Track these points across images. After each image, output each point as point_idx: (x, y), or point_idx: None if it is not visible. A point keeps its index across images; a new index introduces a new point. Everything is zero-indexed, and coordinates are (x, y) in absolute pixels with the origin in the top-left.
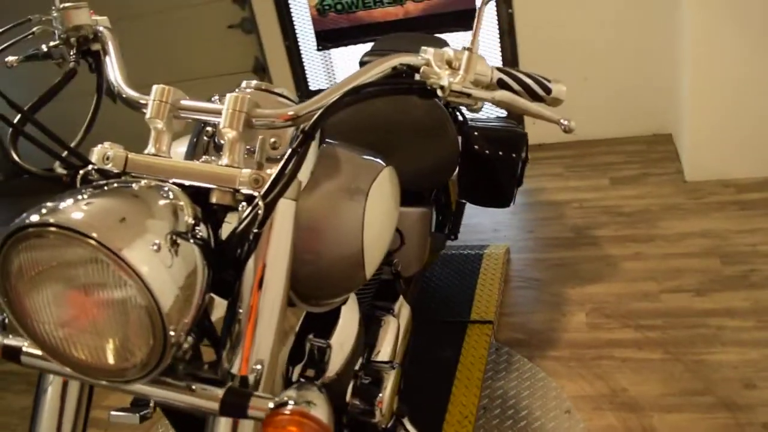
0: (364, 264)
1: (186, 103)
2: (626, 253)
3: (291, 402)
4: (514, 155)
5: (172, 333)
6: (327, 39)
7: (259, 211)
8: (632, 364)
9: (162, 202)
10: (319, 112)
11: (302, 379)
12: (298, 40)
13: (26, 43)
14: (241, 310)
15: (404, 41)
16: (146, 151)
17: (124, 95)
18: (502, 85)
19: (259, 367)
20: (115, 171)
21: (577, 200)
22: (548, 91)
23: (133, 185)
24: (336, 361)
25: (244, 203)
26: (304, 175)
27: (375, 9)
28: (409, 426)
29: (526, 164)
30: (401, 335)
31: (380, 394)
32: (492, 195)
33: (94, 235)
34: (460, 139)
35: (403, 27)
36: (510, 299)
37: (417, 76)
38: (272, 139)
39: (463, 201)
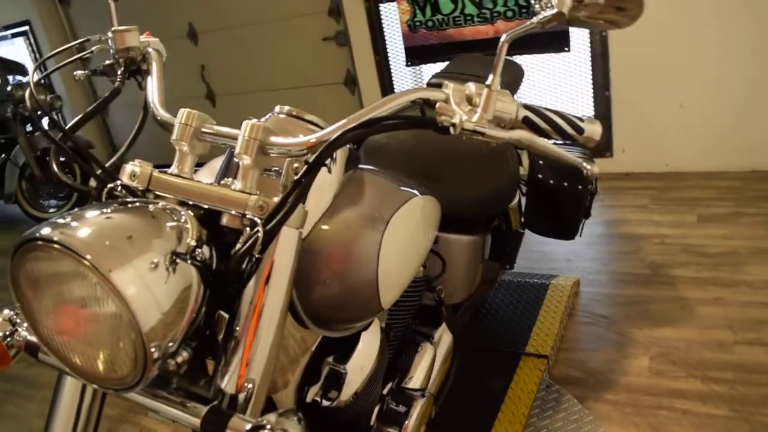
0: (378, 294)
1: (208, 127)
2: (704, 297)
3: (267, 427)
4: (580, 187)
5: (153, 350)
6: (416, 55)
7: (259, 237)
8: (693, 418)
9: (169, 223)
10: (324, 144)
11: (318, 399)
12: (389, 54)
13: (99, 57)
14: (237, 330)
15: (477, 63)
16: (170, 171)
17: (157, 116)
18: (527, 123)
19: (250, 386)
20: (140, 188)
21: (659, 235)
22: (580, 131)
23: (146, 206)
24: (351, 386)
25: (248, 228)
26: (324, 200)
27: (465, 27)
28: None
29: (593, 196)
30: (438, 364)
31: (406, 422)
32: (556, 226)
33: (88, 256)
34: (527, 165)
35: (493, 46)
36: (572, 334)
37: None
38: (295, 165)
39: (522, 230)
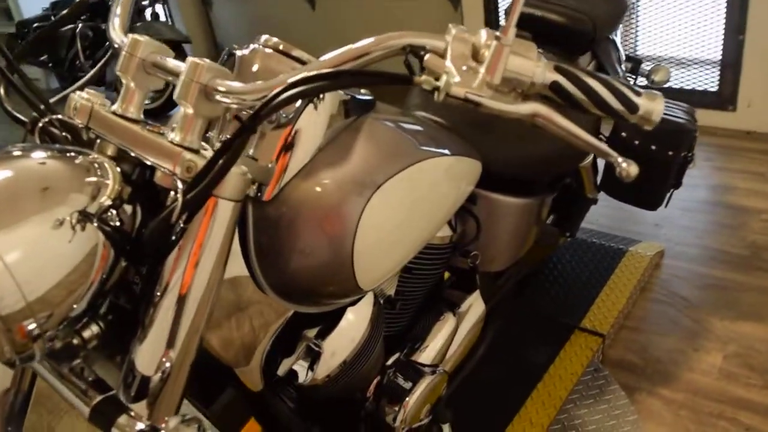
0: (354, 274)
1: (157, 59)
2: None
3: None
4: (670, 153)
5: (32, 326)
6: None
7: (176, 206)
8: None
9: (85, 177)
10: (267, 99)
11: (290, 376)
12: None
13: None
14: (153, 309)
15: None
16: (113, 108)
17: (114, 42)
18: (556, 90)
19: (168, 363)
20: (79, 123)
21: None
22: (632, 107)
23: (59, 154)
24: (326, 367)
25: (173, 192)
26: (304, 152)
27: None
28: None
29: (687, 164)
30: (460, 337)
31: (407, 398)
32: (636, 194)
33: None
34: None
35: None
36: (641, 312)
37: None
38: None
39: (594, 197)
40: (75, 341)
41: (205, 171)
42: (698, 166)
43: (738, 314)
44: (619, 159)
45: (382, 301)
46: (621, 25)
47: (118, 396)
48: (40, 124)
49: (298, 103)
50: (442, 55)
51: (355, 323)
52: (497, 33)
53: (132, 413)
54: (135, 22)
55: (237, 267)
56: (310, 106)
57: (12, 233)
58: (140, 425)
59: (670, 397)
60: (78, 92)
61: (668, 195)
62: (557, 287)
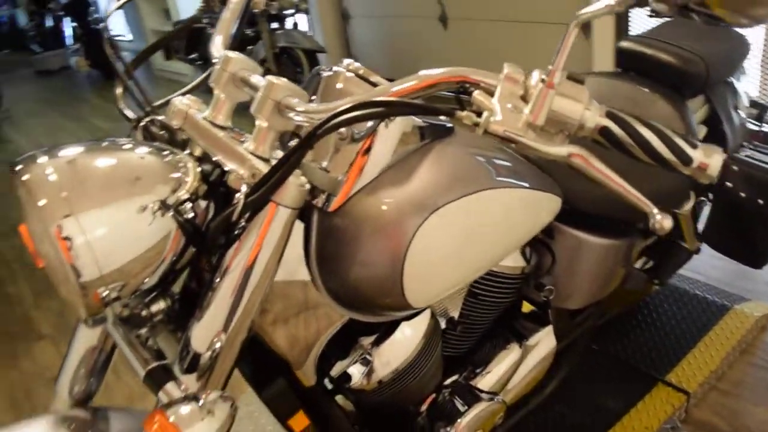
0: (403, 291)
1: (243, 75)
2: None
3: (198, 402)
4: None
5: (106, 293)
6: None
7: (238, 207)
8: None
9: (169, 173)
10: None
11: (343, 378)
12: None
13: None
14: (211, 295)
15: (692, 32)
16: (203, 115)
17: (213, 57)
18: (605, 135)
19: (218, 344)
20: (174, 125)
21: None
22: (687, 160)
23: (152, 151)
24: (377, 374)
25: (238, 194)
26: (373, 169)
27: None
28: None
29: None
30: (525, 370)
31: (460, 419)
32: (740, 248)
33: (43, 200)
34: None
35: None
36: (738, 375)
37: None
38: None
39: (694, 249)
40: (144, 313)
41: (266, 178)
42: None
43: None
44: (654, 211)
45: (444, 321)
46: (744, 69)
47: (171, 366)
48: (143, 123)
49: (369, 123)
50: (492, 93)
51: (408, 337)
52: (544, 75)
53: (180, 383)
54: (277, 29)
55: (304, 271)
56: (382, 125)
57: (101, 212)
58: (179, 394)
59: None
60: (180, 97)
61: None
62: (647, 336)
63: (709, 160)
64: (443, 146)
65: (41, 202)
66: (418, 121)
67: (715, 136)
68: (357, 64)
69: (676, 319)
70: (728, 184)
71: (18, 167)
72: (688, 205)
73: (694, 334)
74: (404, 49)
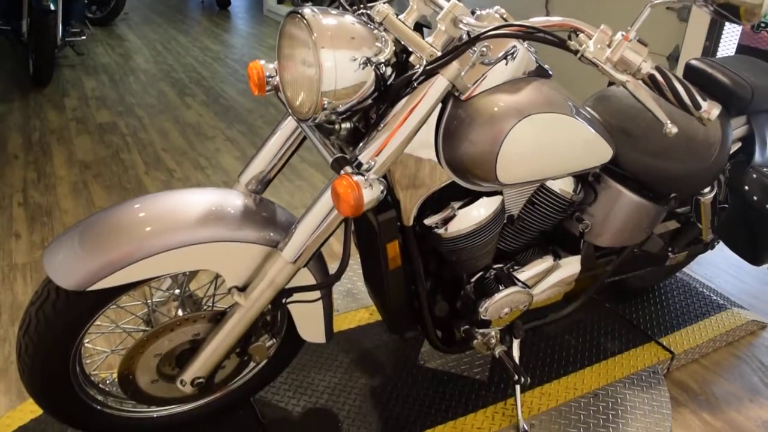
0: (496, 168)
1: None
2: None
3: (363, 175)
4: None
5: (325, 102)
6: (746, 53)
7: (418, 71)
8: None
9: (377, 43)
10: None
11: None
12: (720, 44)
13: None
14: (380, 128)
15: (749, 66)
16: (400, 17)
17: None
18: (651, 79)
19: (372, 163)
20: (377, 20)
21: None
22: (698, 106)
23: (373, 30)
24: (455, 227)
25: (418, 67)
26: (494, 81)
27: None
28: (515, 347)
29: None
30: (552, 280)
31: (496, 294)
32: (743, 244)
33: (315, 34)
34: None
35: None
36: (718, 358)
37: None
38: (483, 47)
39: (709, 243)
40: (335, 127)
41: (440, 58)
42: None
43: None
44: (668, 122)
45: (506, 217)
46: None
47: (347, 158)
48: (357, 12)
49: (502, 53)
50: (590, 37)
51: (482, 207)
52: (624, 33)
53: (351, 169)
54: None
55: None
56: (503, 60)
57: (342, 52)
58: (350, 169)
59: (708, 420)
60: (381, 4)
61: None
62: (653, 309)
63: (711, 109)
64: (544, 81)
65: (315, 35)
66: (532, 63)
67: (746, 151)
68: (503, 10)
69: (681, 304)
70: (746, 187)
71: (300, 12)
72: (710, 194)
73: (691, 317)
74: None
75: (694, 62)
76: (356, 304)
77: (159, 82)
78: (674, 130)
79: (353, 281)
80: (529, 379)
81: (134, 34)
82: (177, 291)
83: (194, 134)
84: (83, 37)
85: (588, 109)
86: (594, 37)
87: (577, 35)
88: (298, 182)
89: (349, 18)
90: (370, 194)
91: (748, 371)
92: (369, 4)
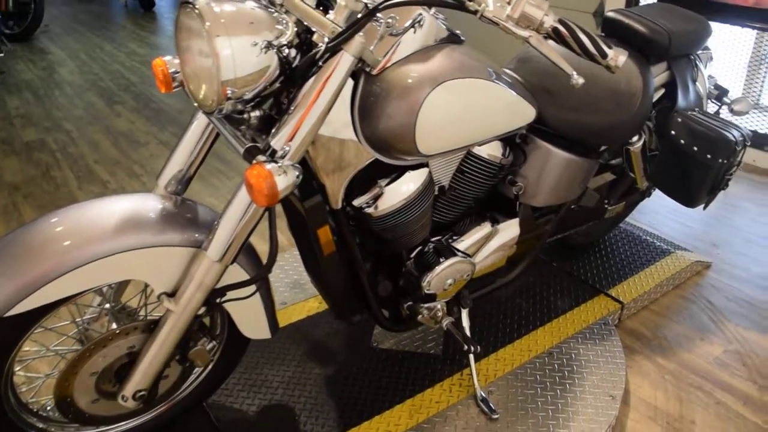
0: (415, 138)
1: None
2: None
3: (276, 162)
4: (708, 156)
5: (228, 92)
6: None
7: (320, 50)
8: (722, 410)
9: (277, 25)
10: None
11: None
12: None
13: None
14: (290, 112)
15: (666, 14)
16: None
17: None
18: (556, 33)
19: (287, 148)
20: (278, 2)
21: None
22: (603, 54)
23: (271, 11)
24: (384, 205)
25: (321, 45)
26: (403, 52)
27: None
28: (464, 317)
29: (726, 173)
30: (493, 245)
31: (437, 266)
32: (676, 188)
33: (207, 23)
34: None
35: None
36: (667, 302)
37: None
38: (389, 19)
39: (644, 190)
40: (245, 116)
41: (342, 34)
42: None
43: (753, 325)
44: (574, 74)
45: (437, 188)
46: (711, 55)
47: (259, 147)
48: None
49: (407, 23)
50: None
51: (409, 181)
52: None
53: (264, 158)
54: None
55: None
56: (411, 29)
57: (239, 39)
58: (263, 157)
59: (662, 364)
60: None
61: (707, 199)
62: (599, 262)
63: (618, 56)
64: (456, 46)
65: (208, 23)
66: (442, 31)
67: (670, 97)
68: None
69: (626, 254)
70: (672, 132)
71: (190, 1)
72: (639, 143)
73: (638, 265)
74: None
75: (611, 14)
76: (304, 295)
77: (86, 93)
78: (580, 81)
79: (299, 272)
80: (479, 347)
81: (56, 46)
82: (108, 305)
83: (127, 142)
84: (1, 55)
85: (508, 70)
86: None
87: None
88: (231, 174)
89: (246, 3)
90: (285, 181)
91: (697, 311)
92: None
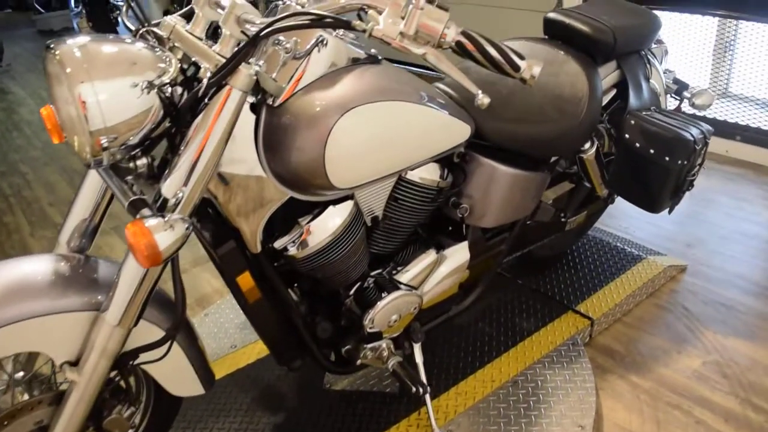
0: (326, 172)
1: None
2: None
3: (162, 217)
4: (666, 159)
5: (104, 141)
6: None
7: (202, 87)
8: (703, 430)
9: (157, 63)
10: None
11: (282, 247)
12: None
13: None
14: (179, 157)
15: (613, 9)
16: (186, 28)
17: None
18: (460, 48)
19: (181, 195)
20: (163, 35)
21: None
22: (516, 67)
23: (147, 47)
24: (308, 245)
25: (204, 80)
26: (308, 78)
27: None
28: (417, 351)
29: (688, 174)
30: (441, 274)
31: (379, 302)
32: (638, 194)
33: (68, 69)
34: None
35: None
36: (641, 312)
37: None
38: (288, 44)
39: (602, 197)
40: (130, 165)
41: (224, 66)
42: (755, 203)
43: (733, 331)
44: (479, 93)
45: (370, 219)
46: (666, 49)
47: (147, 201)
48: (141, 31)
49: (310, 45)
50: (380, 13)
51: (333, 216)
52: (413, 2)
53: (151, 212)
54: None
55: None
56: (316, 49)
57: (107, 83)
58: (149, 212)
59: (636, 383)
60: (170, 16)
61: (671, 203)
62: (567, 276)
63: (532, 68)
64: (369, 66)
65: (68, 69)
66: (353, 51)
67: (622, 97)
68: (304, 0)
69: (595, 264)
70: (627, 135)
71: (52, 45)
72: (591, 149)
73: (608, 275)
74: None
75: (551, 15)
76: (254, 336)
77: (44, 133)
78: (486, 100)
79: None
80: (429, 387)
81: (18, 85)
82: (19, 374)
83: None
84: None
85: (439, 86)
86: (384, 12)
87: (366, 12)
88: None
89: (118, 42)
90: (168, 238)
91: (673, 320)
92: (155, 21)
